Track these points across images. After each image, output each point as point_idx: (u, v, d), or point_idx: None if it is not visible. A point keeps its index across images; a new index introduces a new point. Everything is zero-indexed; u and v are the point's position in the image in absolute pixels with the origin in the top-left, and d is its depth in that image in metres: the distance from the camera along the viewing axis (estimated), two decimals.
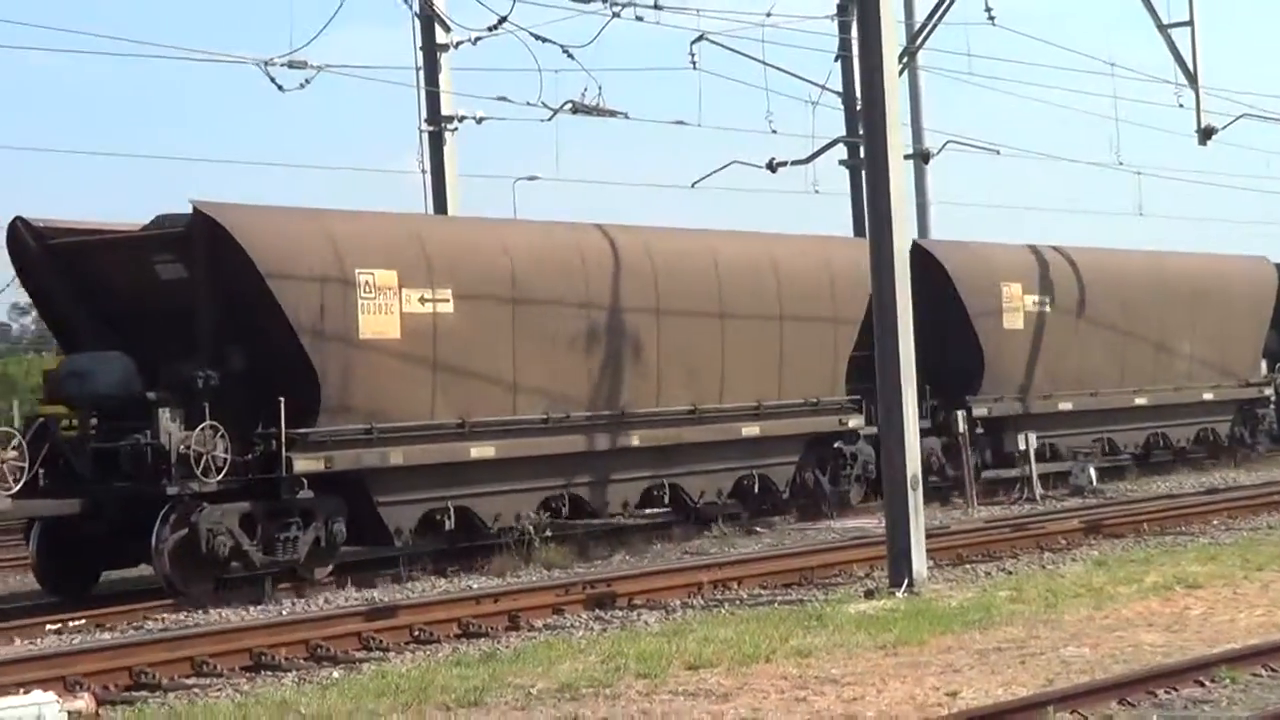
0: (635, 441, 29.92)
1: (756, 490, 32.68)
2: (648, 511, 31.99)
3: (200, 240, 25.19)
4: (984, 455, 37.51)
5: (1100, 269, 41.51)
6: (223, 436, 24.28)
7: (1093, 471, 37.77)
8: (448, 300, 27.11)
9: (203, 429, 24.08)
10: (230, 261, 24.97)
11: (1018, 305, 38.21)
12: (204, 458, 24.01)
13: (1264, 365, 46.52)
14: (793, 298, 33.21)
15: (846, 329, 33.98)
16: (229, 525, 24.29)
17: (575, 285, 29.39)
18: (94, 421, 25.32)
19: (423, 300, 26.79)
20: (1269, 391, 46.24)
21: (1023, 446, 36.36)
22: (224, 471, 24.31)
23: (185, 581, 24.12)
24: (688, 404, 30.97)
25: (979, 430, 36.79)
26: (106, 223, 27.28)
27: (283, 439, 24.65)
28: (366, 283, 26.01)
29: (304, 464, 24.99)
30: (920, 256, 34.41)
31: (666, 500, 30.92)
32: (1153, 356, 42.49)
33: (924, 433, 33.07)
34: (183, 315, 25.20)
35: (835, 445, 34.21)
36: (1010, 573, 24.46)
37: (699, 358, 31.48)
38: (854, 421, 33.90)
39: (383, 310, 26.19)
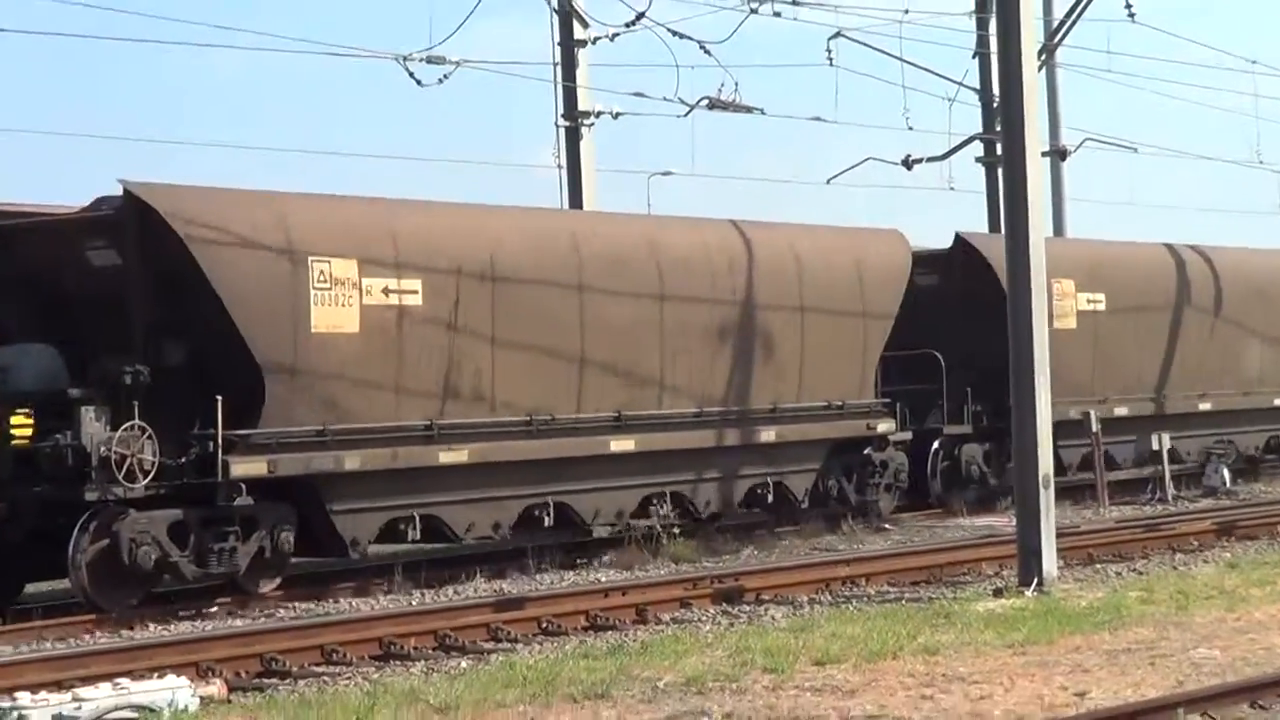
0: (631, 446, 27.65)
1: (771, 499, 30.33)
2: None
3: (133, 224, 23.17)
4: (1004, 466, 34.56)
5: (1164, 266, 38.97)
6: (151, 438, 22.39)
7: (1226, 473, 37.39)
8: (416, 292, 24.97)
9: (127, 429, 22.23)
10: (165, 247, 23.00)
11: (1069, 303, 35.63)
12: (128, 460, 22.11)
13: None
14: (814, 292, 30.78)
15: (877, 326, 31.96)
16: (155, 534, 22.40)
17: (567, 277, 27.11)
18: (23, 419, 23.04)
19: (387, 291, 24.58)
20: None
21: (1155, 447, 36.01)
22: (151, 476, 22.37)
23: (105, 596, 22.19)
24: (693, 407, 28.78)
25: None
26: (44, 205, 25.19)
27: (219, 441, 22.69)
28: (322, 272, 23.90)
29: (243, 468, 22.99)
30: (964, 250, 34.28)
31: (668, 510, 28.31)
32: (1220, 359, 39.80)
33: (965, 438, 33.97)
34: (115, 305, 23.39)
35: (865, 452, 32.00)
36: (1141, 573, 24.28)
37: (708, 356, 29.18)
38: (883, 426, 31.73)
39: (339, 302, 24.08)
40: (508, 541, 26.92)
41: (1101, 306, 36.24)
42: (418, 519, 25.00)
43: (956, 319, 33.21)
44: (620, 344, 27.61)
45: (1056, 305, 33.09)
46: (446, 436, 25.18)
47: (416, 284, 24.89)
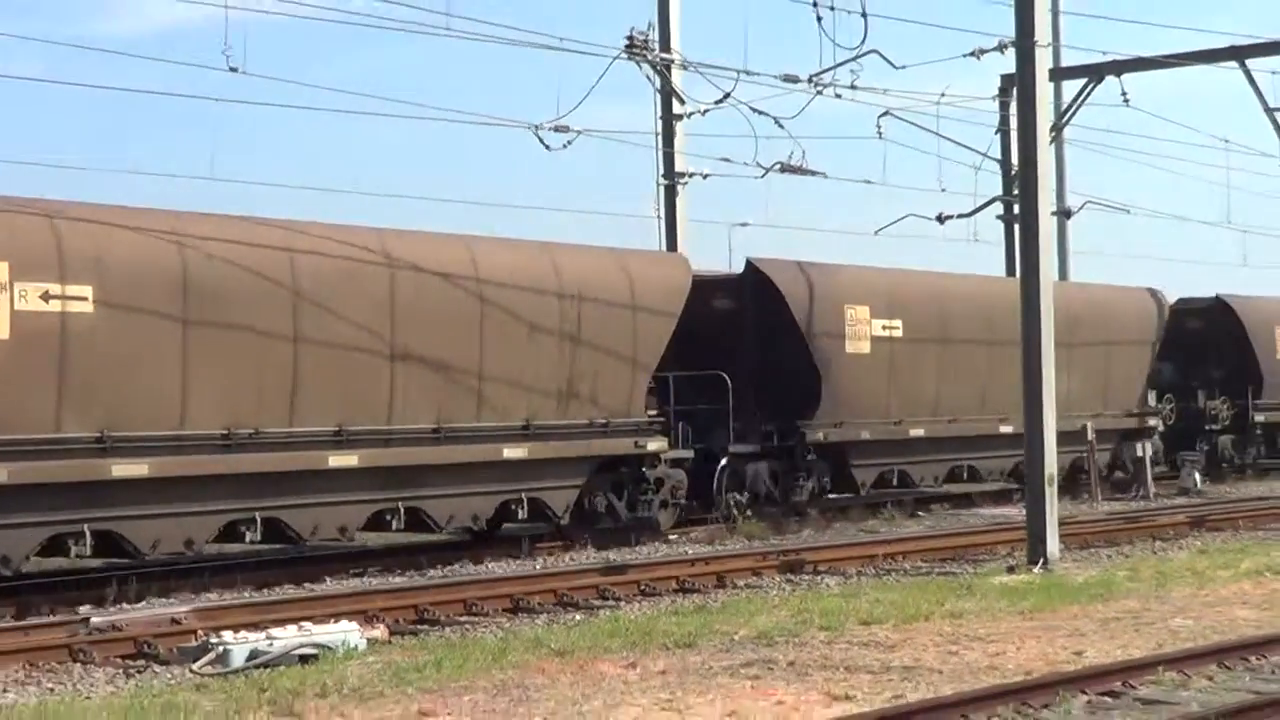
0: (354, 461, 22.16)
1: (525, 515, 24.74)
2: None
3: None
4: (821, 481, 30.03)
5: (967, 296, 33.48)
6: None
7: (1198, 476, 37.11)
8: (86, 300, 19.65)
9: None
10: None
11: (864, 329, 30.36)
12: None
13: (1152, 397, 38.64)
14: (581, 314, 25.39)
15: (649, 347, 26.48)
16: None
17: (278, 289, 21.56)
18: None
19: (46, 297, 19.31)
20: (1154, 422, 38.04)
21: (1139, 454, 35.83)
22: None
23: None
24: (430, 423, 23.18)
25: (810, 455, 29.60)
26: None
27: None
28: None
29: None
30: (754, 275, 29.73)
31: (402, 524, 23.15)
32: (1015, 386, 32.81)
33: (755, 456, 28.91)
34: None
35: (641, 469, 26.44)
36: (1127, 556, 24.16)
37: (447, 368, 23.48)
38: (654, 445, 26.26)
39: None
40: (202, 557, 22.04)
41: (899, 333, 31.10)
42: (89, 534, 19.82)
43: (750, 341, 29.56)
44: (344, 359, 22.13)
45: (849, 330, 29.93)
46: (121, 450, 19.91)
47: (86, 290, 19.70)
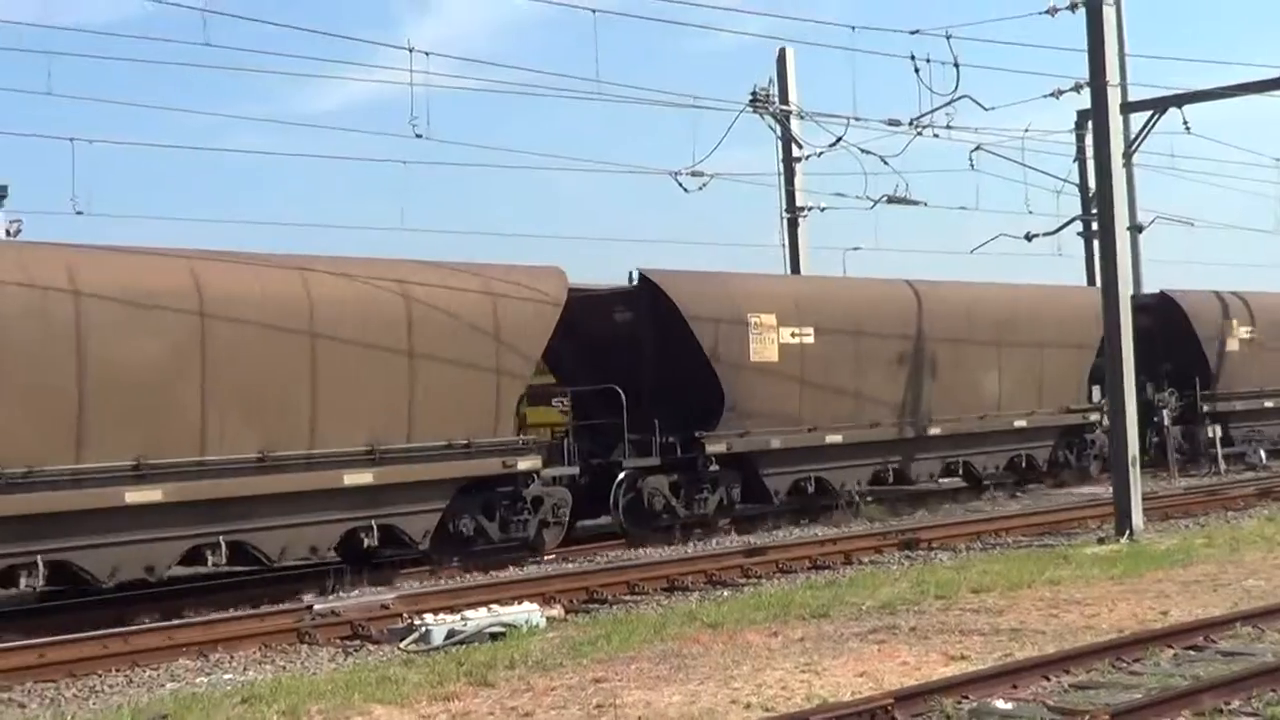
0: (158, 496, 18.11)
1: (377, 542, 20.56)
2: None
3: None
4: (729, 492, 25.70)
5: (884, 301, 29.01)
6: None
7: (1263, 453, 36.37)
8: None
9: None
10: None
11: (770, 336, 26.10)
12: None
13: (1096, 392, 33.27)
14: (428, 333, 21.07)
15: (517, 364, 22.20)
16: None
17: (60, 316, 17.57)
18: None
19: None
20: (1095, 417, 33.07)
21: (1210, 435, 35.12)
22: None
23: None
24: (254, 452, 19.04)
25: (712, 466, 25.26)
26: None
27: None
28: None
29: None
30: (648, 288, 25.24)
31: (223, 559, 19.09)
32: (954, 386, 29.61)
33: (654, 470, 24.51)
34: None
35: (523, 489, 22.39)
36: (1203, 526, 23.71)
37: (273, 394, 19.31)
38: (526, 464, 22.03)
39: None
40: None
41: (810, 339, 26.78)
42: None
43: (649, 354, 25.35)
44: (143, 389, 18.05)
45: (754, 338, 25.75)
46: None
47: None
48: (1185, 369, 35.99)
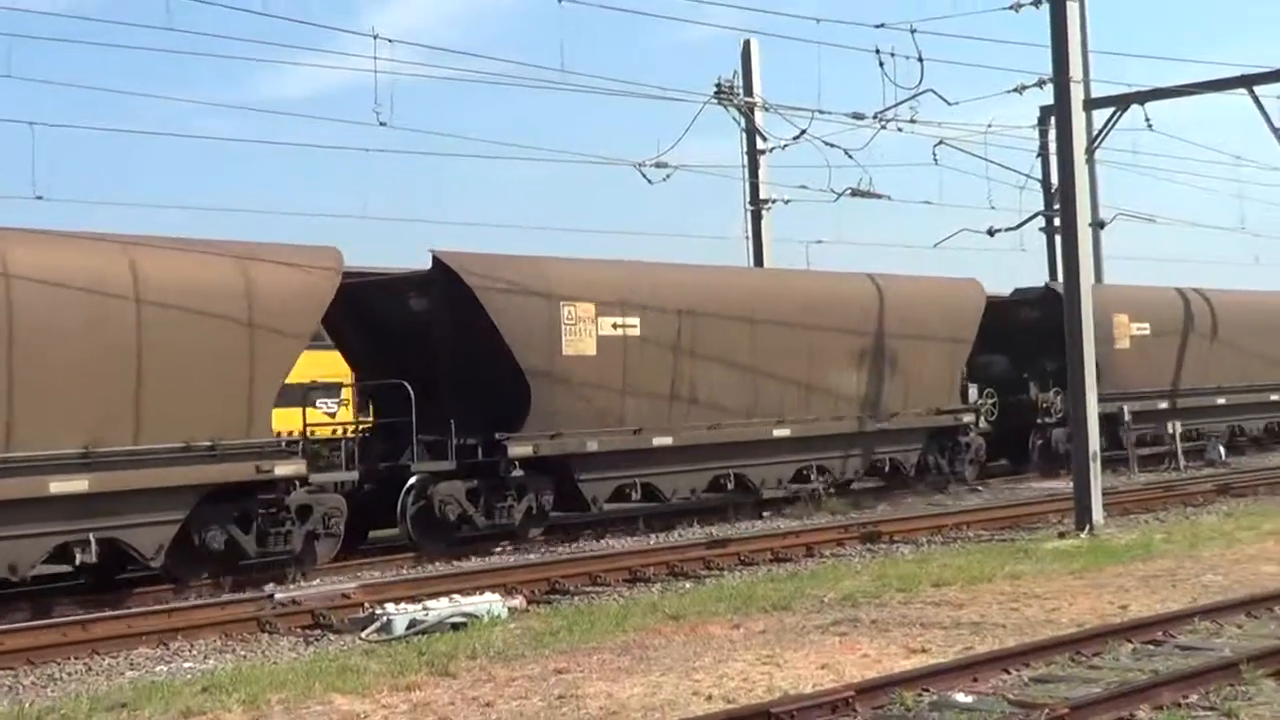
0: None
1: (95, 557, 17.90)
2: None
3: None
4: (539, 499, 23.25)
5: (723, 289, 26.31)
6: None
7: (1222, 449, 36.57)
8: None
9: None
10: None
11: (589, 328, 23.51)
12: None
13: (974, 391, 31.79)
14: (154, 320, 18.32)
15: (271, 356, 19.48)
16: None
17: None
18: None
19: None
20: (969, 419, 30.94)
21: (1170, 431, 35.26)
22: None
23: None
24: None
25: (516, 471, 22.58)
26: None
27: None
28: None
29: None
30: (443, 272, 22.49)
31: None
32: (809, 382, 27.26)
33: (449, 475, 21.98)
34: None
35: (285, 497, 19.75)
36: (1162, 521, 23.81)
37: None
38: (285, 469, 19.50)
39: None
40: None
41: (635, 331, 24.19)
42: None
43: (446, 345, 22.87)
44: None
45: (568, 330, 23.24)
46: None
47: None
48: None
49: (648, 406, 24.50)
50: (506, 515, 22.75)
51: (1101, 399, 32.80)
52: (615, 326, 23.99)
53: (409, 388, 21.62)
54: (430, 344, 22.85)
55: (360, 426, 23.63)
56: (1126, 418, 33.85)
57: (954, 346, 30.88)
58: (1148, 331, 35.79)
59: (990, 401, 32.40)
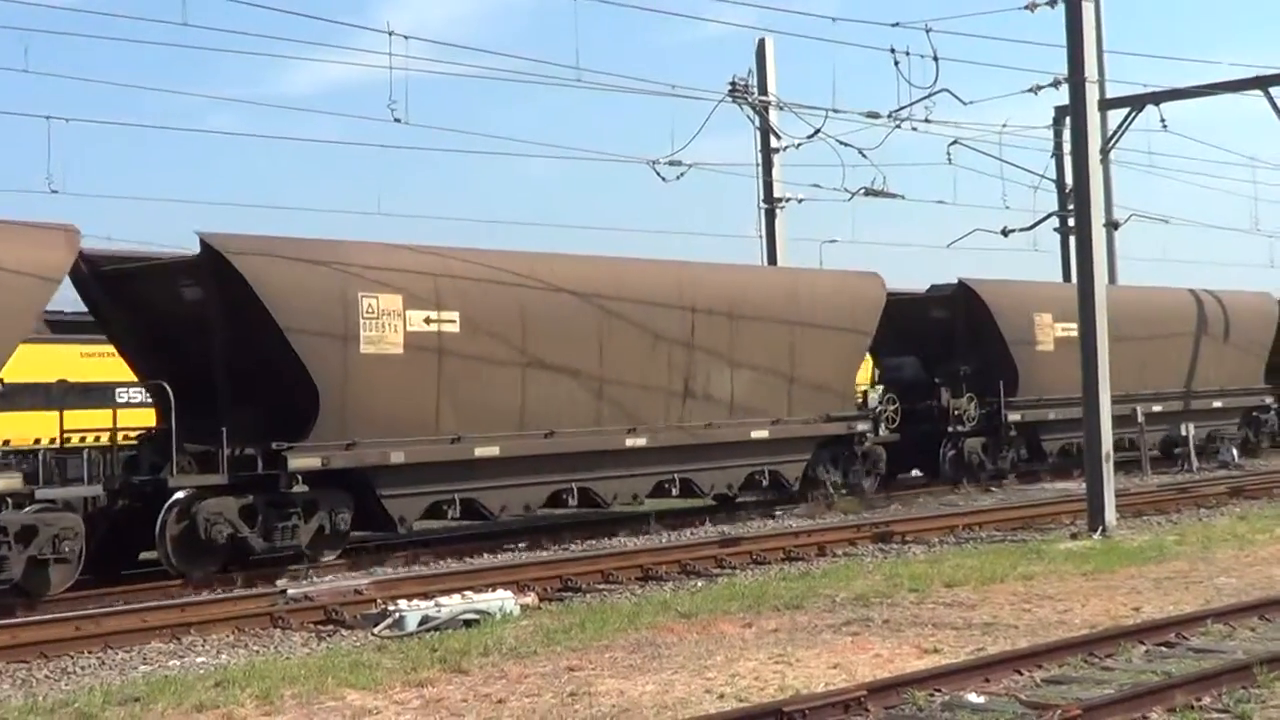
0: None
1: None
2: None
3: None
4: (334, 518, 20.31)
5: (565, 280, 23.06)
6: None
7: (1235, 451, 36.51)
8: None
9: None
10: None
11: (395, 324, 20.59)
12: None
13: (874, 396, 29.49)
14: None
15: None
16: None
17: None
18: None
19: None
20: (863, 427, 27.96)
21: (1184, 433, 35.15)
22: None
23: None
24: None
25: (299, 486, 19.68)
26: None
27: None
28: None
29: None
30: (214, 260, 19.54)
31: None
32: (662, 388, 24.27)
33: (220, 490, 19.19)
34: None
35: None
36: (1175, 523, 23.80)
37: None
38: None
39: None
40: None
41: (453, 328, 21.32)
42: None
43: (221, 343, 20.03)
44: None
45: (367, 325, 20.41)
46: None
47: None
48: (988, 372, 31.27)
49: (470, 413, 21.55)
50: (290, 536, 19.83)
51: (1019, 406, 31.42)
52: (429, 322, 21.13)
53: (168, 389, 19.25)
54: (203, 339, 20.11)
55: (125, 435, 20.24)
56: (1140, 419, 33.77)
57: (849, 348, 28.01)
58: (1075, 333, 33.46)
59: (892, 408, 29.79)
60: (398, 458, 20.69)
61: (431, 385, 21.17)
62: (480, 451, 21.64)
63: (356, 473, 20.51)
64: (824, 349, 27.35)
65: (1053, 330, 32.30)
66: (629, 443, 23.71)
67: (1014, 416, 31.59)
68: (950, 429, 30.93)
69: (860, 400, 28.99)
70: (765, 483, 26.41)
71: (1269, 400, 39.36)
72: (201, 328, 20.09)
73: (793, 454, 26.82)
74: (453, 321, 21.42)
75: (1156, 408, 34.77)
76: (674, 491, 24.86)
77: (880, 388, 29.77)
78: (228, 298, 19.75)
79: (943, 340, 31.62)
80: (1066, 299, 30.12)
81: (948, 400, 31.01)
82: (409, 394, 20.90)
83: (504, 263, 22.57)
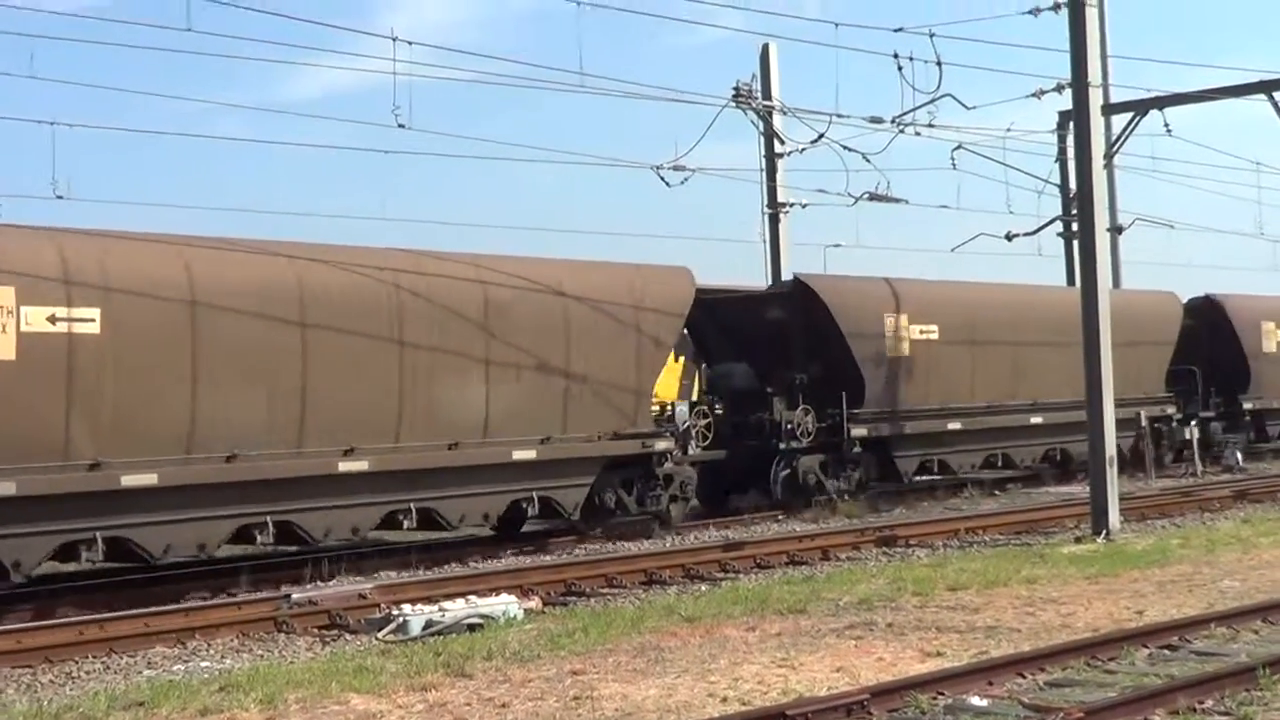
0: None
1: None
2: None
3: None
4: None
5: (250, 277, 18.87)
6: None
7: (1239, 454, 36.46)
8: None
9: None
10: None
11: (4, 323, 16.60)
12: None
13: (683, 410, 25.59)
14: None
15: None
16: None
17: None
18: None
19: None
20: (664, 445, 23.92)
21: (1186, 436, 35.09)
22: None
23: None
24: None
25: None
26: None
27: None
28: None
29: None
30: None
31: None
32: (392, 402, 20.11)
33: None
34: None
35: None
36: (1179, 526, 23.80)
37: None
38: None
39: None
40: None
41: (91, 328, 17.31)
42: None
43: None
44: None
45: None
46: None
47: None
48: (830, 379, 27.42)
49: (115, 434, 17.46)
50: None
51: (866, 420, 27.41)
52: (53, 321, 17.01)
53: None
54: None
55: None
56: (1144, 423, 33.76)
57: (646, 354, 23.83)
58: (935, 336, 29.08)
59: (704, 422, 25.99)
60: (5, 489, 16.66)
61: (58, 399, 17.09)
62: (130, 480, 17.53)
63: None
64: (611, 356, 23.19)
65: (908, 333, 28.48)
66: (344, 467, 19.54)
67: (859, 431, 27.42)
68: (783, 445, 26.88)
69: (663, 414, 25.12)
70: (534, 511, 22.40)
71: (1170, 410, 35.35)
72: None
73: (571, 477, 22.62)
74: (90, 320, 17.33)
75: (1035, 419, 31.06)
76: (408, 524, 20.67)
77: (686, 402, 25.92)
78: None
79: (779, 345, 27.64)
80: (928, 297, 29.00)
81: (780, 412, 26.90)
82: (24, 410, 16.82)
83: (164, 252, 18.36)
